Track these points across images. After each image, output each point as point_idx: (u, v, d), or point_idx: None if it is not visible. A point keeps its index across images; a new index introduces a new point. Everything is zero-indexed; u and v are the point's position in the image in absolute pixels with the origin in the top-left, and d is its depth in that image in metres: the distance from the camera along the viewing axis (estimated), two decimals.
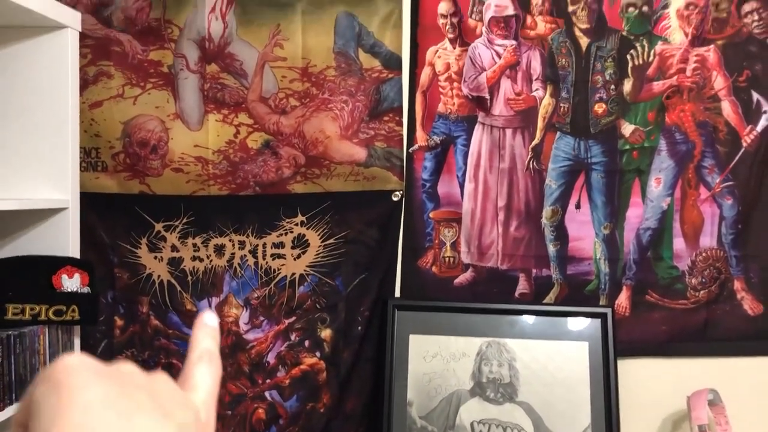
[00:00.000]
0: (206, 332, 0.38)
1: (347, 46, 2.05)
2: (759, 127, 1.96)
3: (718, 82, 1.97)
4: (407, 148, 2.07)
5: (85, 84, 2.00)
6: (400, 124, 2.07)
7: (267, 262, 2.08)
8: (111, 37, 2.04)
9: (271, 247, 2.08)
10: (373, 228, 2.08)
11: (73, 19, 1.74)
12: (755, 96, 1.96)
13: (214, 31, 2.04)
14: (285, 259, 2.08)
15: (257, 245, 2.08)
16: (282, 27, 2.04)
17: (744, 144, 1.98)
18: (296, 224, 2.08)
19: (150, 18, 2.05)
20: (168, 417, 0.30)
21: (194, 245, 2.08)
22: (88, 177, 2.03)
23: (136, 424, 0.29)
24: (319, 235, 2.08)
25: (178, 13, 2.05)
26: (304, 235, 2.08)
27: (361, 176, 2.07)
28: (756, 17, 1.94)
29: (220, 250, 2.08)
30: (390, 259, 2.09)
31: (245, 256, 2.08)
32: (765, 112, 1.95)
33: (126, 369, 0.32)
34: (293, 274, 2.08)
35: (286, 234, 2.08)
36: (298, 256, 2.08)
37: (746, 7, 1.95)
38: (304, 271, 2.08)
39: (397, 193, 2.07)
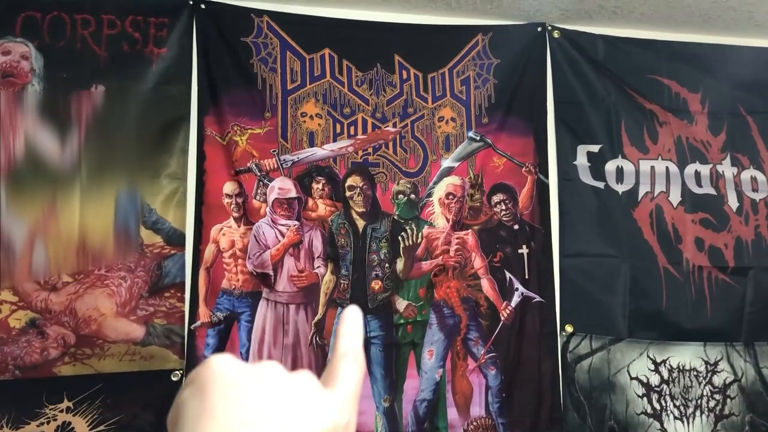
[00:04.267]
0: (350, 327, 0.39)
1: (128, 222, 2.03)
2: (513, 303, 2.20)
3: (477, 261, 2.21)
4: (189, 325, 2.03)
5: None
6: (182, 300, 2.04)
7: None
8: None
9: None
10: (149, 411, 1.96)
11: None
12: (508, 275, 2.21)
13: None
14: None
15: None
16: (58, 201, 1.98)
17: (502, 318, 2.20)
18: (61, 411, 1.91)
19: None
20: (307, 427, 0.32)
21: None
22: None
23: None
24: (87, 421, 1.91)
25: None
26: (69, 423, 1.91)
27: (138, 355, 1.98)
28: (503, 207, 2.25)
29: None
30: None
31: None
32: (517, 289, 2.20)
33: (269, 370, 0.34)
34: None
35: (48, 422, 1.89)
36: None
37: (495, 198, 2.25)
38: None
39: (177, 372, 2.00)
